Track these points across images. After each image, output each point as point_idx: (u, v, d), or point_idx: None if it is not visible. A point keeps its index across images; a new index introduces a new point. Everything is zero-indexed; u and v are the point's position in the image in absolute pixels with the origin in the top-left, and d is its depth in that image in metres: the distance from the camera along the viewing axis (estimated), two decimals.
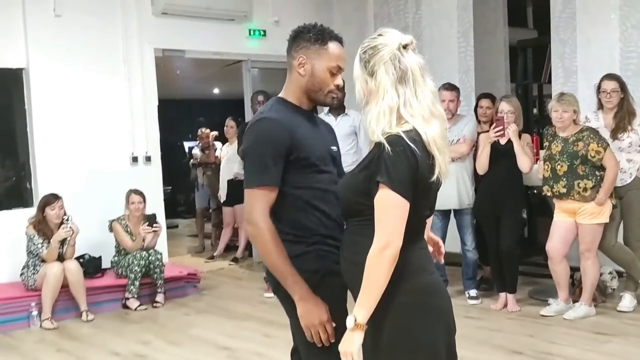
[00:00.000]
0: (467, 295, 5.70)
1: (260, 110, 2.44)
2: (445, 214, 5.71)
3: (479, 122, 5.91)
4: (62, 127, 6.37)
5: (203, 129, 8.88)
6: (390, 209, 1.97)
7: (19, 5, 6.14)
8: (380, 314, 2.03)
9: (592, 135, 4.97)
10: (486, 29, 7.21)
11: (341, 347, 2.03)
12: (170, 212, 11.56)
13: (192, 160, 9.06)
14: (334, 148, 2.54)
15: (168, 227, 10.53)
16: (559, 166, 5.01)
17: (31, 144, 6.29)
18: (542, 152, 5.25)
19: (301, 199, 2.33)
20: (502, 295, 5.46)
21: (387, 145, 1.98)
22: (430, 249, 2.41)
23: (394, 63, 2.05)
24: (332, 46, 2.37)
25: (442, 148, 2.07)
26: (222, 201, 8.03)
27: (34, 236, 5.62)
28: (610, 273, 5.62)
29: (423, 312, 2.05)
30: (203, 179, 8.82)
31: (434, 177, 2.04)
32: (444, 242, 5.54)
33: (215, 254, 8.27)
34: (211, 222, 9.03)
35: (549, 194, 5.13)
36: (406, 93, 2.05)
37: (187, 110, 13.34)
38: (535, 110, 8.08)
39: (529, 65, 7.46)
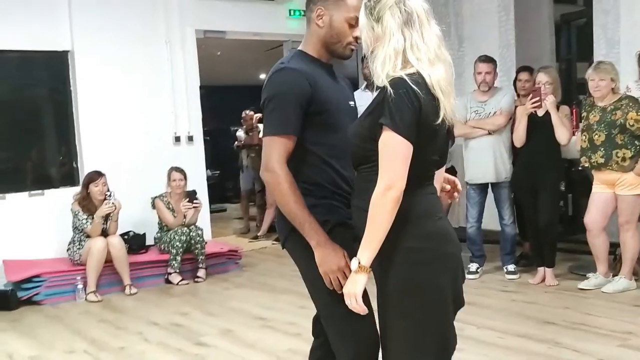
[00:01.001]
0: (505, 270, 5.64)
1: (280, 61, 2.43)
2: (483, 187, 5.66)
3: (518, 95, 5.82)
4: (107, 108, 6.56)
5: (247, 111, 8.98)
6: (393, 151, 1.96)
7: None
8: (387, 258, 2.04)
9: (631, 104, 4.85)
10: (529, 3, 7.08)
11: (345, 289, 2.06)
12: (219, 197, 11.78)
13: (236, 143, 9.17)
14: (352, 103, 2.54)
15: (216, 211, 10.78)
16: (596, 136, 4.91)
17: (77, 125, 6.50)
18: (581, 124, 5.13)
19: (316, 154, 2.34)
20: (540, 269, 5.39)
21: (390, 89, 1.97)
22: (448, 187, 2.44)
23: (399, 6, 2.04)
24: None
25: (446, 91, 2.04)
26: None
27: (79, 212, 5.81)
28: None
29: (430, 257, 2.05)
30: (247, 161, 8.92)
31: (439, 120, 2.02)
32: (481, 217, 5.57)
33: (259, 234, 8.39)
34: (256, 203, 9.12)
35: (586, 165, 5.03)
36: (413, 35, 2.03)
37: (237, 96, 13.48)
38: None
39: (572, 41, 7.29)
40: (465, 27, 7.09)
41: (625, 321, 4.30)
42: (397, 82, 1.99)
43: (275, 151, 2.27)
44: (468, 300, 5.02)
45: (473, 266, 5.72)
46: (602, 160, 4.89)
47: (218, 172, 11.68)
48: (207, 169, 11.21)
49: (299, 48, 2.47)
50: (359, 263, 2.00)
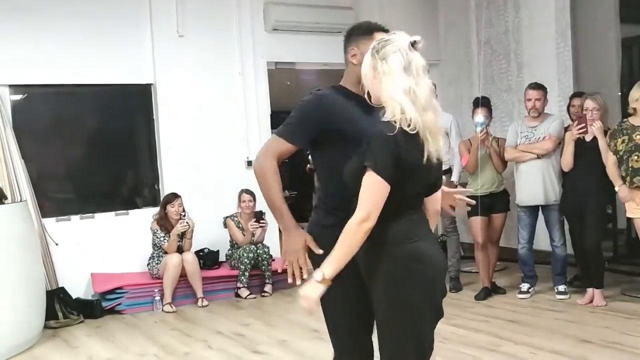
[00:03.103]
0: (556, 290, 5.79)
1: (316, 89, 2.73)
2: (533, 210, 5.86)
3: (573, 121, 5.98)
4: (185, 135, 7.14)
5: None
6: (372, 188, 2.29)
7: (147, 28, 6.98)
8: (371, 278, 2.41)
9: None
10: (595, 27, 7.17)
11: (303, 291, 2.36)
12: (299, 217, 12.23)
13: (308, 165, 9.60)
14: None
15: None
16: None
17: (159, 151, 7.11)
18: (622, 147, 5.22)
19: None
20: (589, 291, 5.52)
21: (381, 133, 2.29)
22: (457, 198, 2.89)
23: (402, 53, 2.33)
24: (378, 35, 2.56)
25: (433, 134, 2.33)
26: None
27: (157, 230, 6.40)
28: None
29: (404, 276, 2.35)
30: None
31: (424, 159, 2.31)
32: (532, 238, 5.77)
33: None
34: None
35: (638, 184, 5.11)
36: (410, 81, 2.32)
37: None
38: None
39: (634, 63, 7.35)
40: (524, 54, 7.28)
41: None
42: (389, 126, 2.29)
43: (271, 147, 2.67)
44: (513, 318, 5.30)
45: (524, 286, 5.91)
46: None
47: (296, 192, 12.16)
48: (285, 190, 11.78)
49: (339, 84, 2.76)
50: (323, 275, 2.32)
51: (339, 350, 2.70)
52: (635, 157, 5.12)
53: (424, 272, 2.38)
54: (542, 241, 6.29)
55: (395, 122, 2.30)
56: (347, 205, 2.40)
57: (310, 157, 9.27)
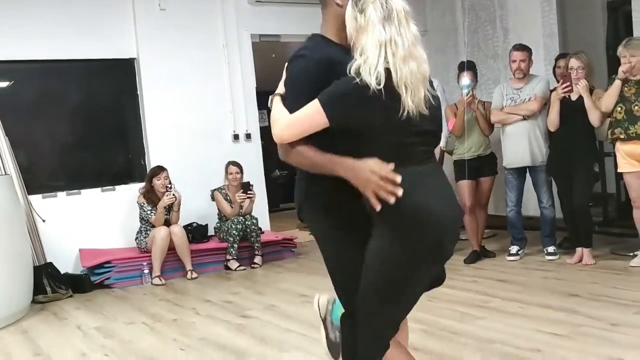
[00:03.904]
0: (545, 251, 5.79)
1: (298, 47, 2.39)
2: (520, 172, 5.84)
3: (558, 82, 5.95)
4: (170, 110, 7.09)
5: None
6: (307, 111, 2.17)
7: (128, 2, 6.92)
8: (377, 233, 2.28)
9: None
10: None
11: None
12: (290, 196, 12.21)
13: None
14: None
15: (285, 209, 11.25)
16: (635, 107, 4.99)
17: (144, 126, 7.06)
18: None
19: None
20: (578, 250, 5.51)
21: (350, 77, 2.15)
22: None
23: (381, 3, 2.21)
24: None
25: (411, 86, 2.17)
26: None
27: (144, 204, 6.36)
28: None
29: (407, 231, 2.20)
30: None
31: (402, 112, 2.15)
32: (520, 201, 5.74)
33: None
34: None
35: (622, 136, 5.08)
36: (392, 31, 2.19)
37: None
38: None
39: (619, 26, 7.31)
40: (509, 20, 7.25)
41: None
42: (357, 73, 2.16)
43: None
44: (502, 278, 5.31)
45: (514, 249, 5.90)
46: None
47: (286, 172, 12.12)
48: (275, 170, 11.77)
49: (317, 32, 2.42)
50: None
51: (343, 296, 2.48)
52: (619, 109, 5.09)
53: (420, 230, 2.21)
54: (531, 208, 6.29)
55: (360, 73, 2.15)
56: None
57: None
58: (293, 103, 2.24)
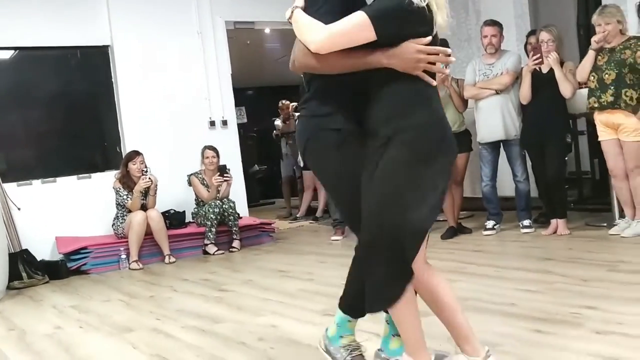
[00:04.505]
0: (521, 225, 5.82)
1: None
2: (494, 146, 5.88)
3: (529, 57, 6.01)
4: (146, 97, 7.07)
5: (283, 101, 9.42)
6: (354, 22, 2.13)
7: None
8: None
9: (639, 43, 4.99)
10: None
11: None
12: (270, 190, 12.22)
13: (275, 132, 9.60)
14: None
15: (265, 204, 11.26)
16: (606, 75, 5.02)
17: (119, 114, 7.03)
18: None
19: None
20: (553, 221, 5.55)
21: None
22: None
23: None
24: None
25: (440, 5, 2.21)
26: (301, 165, 8.52)
27: (120, 189, 6.32)
28: None
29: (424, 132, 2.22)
30: (286, 149, 9.34)
31: (434, 31, 2.20)
32: (495, 176, 5.76)
33: (297, 216, 8.78)
34: (298, 188, 9.52)
35: (595, 105, 5.12)
36: None
37: (286, 96, 13.94)
38: None
39: (590, 6, 7.40)
40: (481, 2, 7.32)
41: (621, 254, 4.48)
42: None
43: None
44: (479, 249, 5.34)
45: (490, 223, 5.94)
46: (611, 99, 4.99)
47: (265, 166, 12.11)
48: (255, 164, 11.76)
49: None
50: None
51: (350, 221, 2.48)
52: (592, 78, 5.14)
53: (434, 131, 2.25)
54: (508, 188, 6.31)
55: None
56: (345, 91, 2.31)
57: (276, 123, 9.31)
58: (321, 16, 2.22)
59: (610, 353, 2.60)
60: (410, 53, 2.16)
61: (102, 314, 4.40)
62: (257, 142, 12.83)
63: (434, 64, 2.22)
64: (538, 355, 2.68)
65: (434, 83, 2.22)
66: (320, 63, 2.24)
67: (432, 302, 2.39)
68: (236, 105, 7.77)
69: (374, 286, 2.26)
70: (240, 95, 11.78)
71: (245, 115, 13.07)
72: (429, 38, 2.17)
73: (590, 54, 5.20)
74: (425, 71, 2.21)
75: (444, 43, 6.17)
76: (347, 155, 2.36)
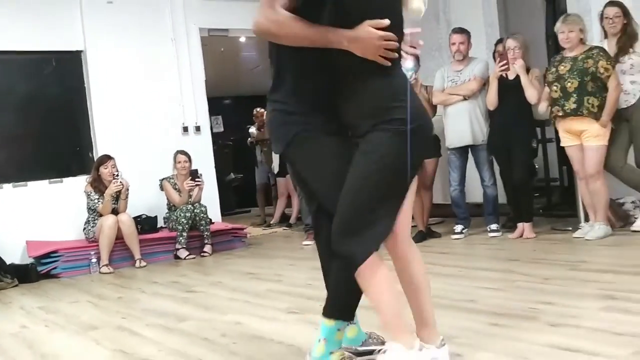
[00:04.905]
0: (489, 229, 5.90)
1: None
2: (462, 152, 5.97)
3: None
4: (119, 103, 7.09)
5: (258, 109, 9.46)
6: None
7: None
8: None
9: (601, 53, 5.10)
10: None
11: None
12: (245, 199, 12.22)
13: (249, 139, 9.64)
14: None
15: (241, 212, 11.27)
16: (569, 84, 5.12)
17: (92, 119, 7.04)
18: (550, 76, 5.35)
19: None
20: (520, 225, 5.63)
21: None
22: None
23: None
24: None
25: None
26: (275, 172, 8.57)
27: (91, 193, 6.33)
28: (633, 202, 5.69)
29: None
30: (261, 156, 9.38)
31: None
32: (463, 180, 5.85)
33: (272, 222, 8.81)
34: (272, 195, 9.56)
35: (560, 114, 5.21)
36: None
37: (262, 105, 13.96)
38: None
39: (558, 16, 7.54)
40: (452, 12, 7.45)
41: (582, 255, 4.57)
42: None
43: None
44: (446, 251, 5.39)
45: (458, 227, 6.01)
46: (574, 106, 5.09)
47: (241, 175, 12.12)
48: (230, 173, 11.78)
49: None
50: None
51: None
52: (555, 88, 5.25)
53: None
54: (478, 195, 6.38)
55: None
56: (320, 81, 2.34)
57: (250, 131, 9.34)
58: None
59: (560, 343, 2.66)
60: (372, 39, 2.18)
61: (69, 314, 4.41)
62: (233, 150, 12.84)
63: (398, 51, 2.25)
64: (492, 346, 2.74)
65: (388, 63, 2.22)
66: (279, 30, 2.27)
67: (402, 270, 2.42)
68: (213, 114, 7.84)
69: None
70: (217, 104, 11.86)
71: (221, 124, 13.13)
72: (387, 21, 2.18)
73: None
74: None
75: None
76: (332, 145, 2.37)
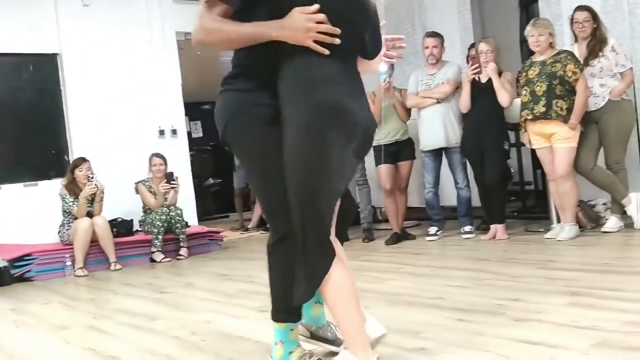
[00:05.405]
0: (462, 231, 5.95)
1: None
2: (436, 154, 6.02)
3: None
4: (95, 106, 7.07)
5: None
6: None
7: None
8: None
9: (569, 57, 5.18)
10: None
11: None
12: (224, 204, 12.19)
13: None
14: None
15: (219, 217, 11.25)
16: (538, 87, 5.19)
17: (67, 122, 7.02)
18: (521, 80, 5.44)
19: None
20: (493, 227, 5.69)
21: None
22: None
23: None
24: None
25: None
26: None
27: (66, 196, 6.30)
28: (604, 204, 5.77)
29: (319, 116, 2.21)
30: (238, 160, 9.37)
31: None
32: (437, 183, 5.91)
33: (249, 227, 8.81)
34: (250, 200, 9.55)
35: (529, 117, 5.26)
36: None
37: None
38: None
39: (531, 19, 7.63)
40: (427, 17, 7.51)
41: (552, 254, 4.63)
42: None
43: (202, 13, 2.29)
44: (419, 252, 5.42)
45: (432, 229, 6.05)
46: (543, 109, 5.16)
47: (220, 180, 12.13)
48: (209, 178, 11.78)
49: None
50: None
51: (280, 230, 2.46)
52: (525, 92, 5.33)
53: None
54: (453, 198, 6.43)
55: None
56: (269, 66, 2.25)
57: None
58: None
59: (524, 336, 2.70)
60: (298, 22, 2.13)
61: (39, 315, 4.39)
62: (212, 156, 12.84)
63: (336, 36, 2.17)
64: (457, 340, 2.77)
65: (326, 52, 2.17)
66: (208, 37, 2.28)
67: None
68: (192, 119, 7.85)
69: (309, 267, 2.26)
70: (197, 110, 11.86)
71: (201, 129, 13.11)
72: (316, 6, 2.13)
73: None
74: (318, 42, 2.17)
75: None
76: (276, 132, 2.26)
